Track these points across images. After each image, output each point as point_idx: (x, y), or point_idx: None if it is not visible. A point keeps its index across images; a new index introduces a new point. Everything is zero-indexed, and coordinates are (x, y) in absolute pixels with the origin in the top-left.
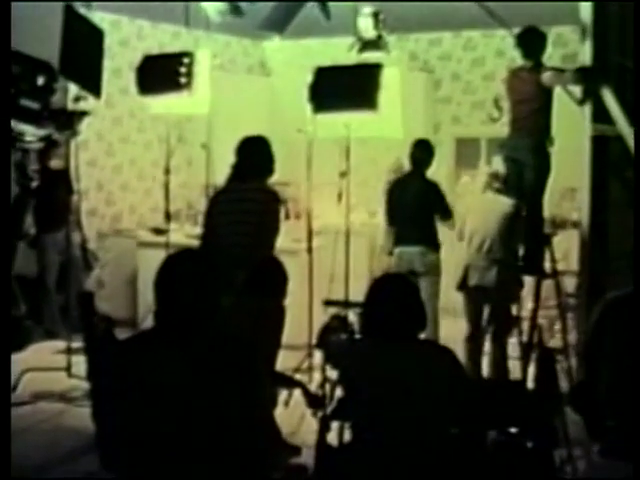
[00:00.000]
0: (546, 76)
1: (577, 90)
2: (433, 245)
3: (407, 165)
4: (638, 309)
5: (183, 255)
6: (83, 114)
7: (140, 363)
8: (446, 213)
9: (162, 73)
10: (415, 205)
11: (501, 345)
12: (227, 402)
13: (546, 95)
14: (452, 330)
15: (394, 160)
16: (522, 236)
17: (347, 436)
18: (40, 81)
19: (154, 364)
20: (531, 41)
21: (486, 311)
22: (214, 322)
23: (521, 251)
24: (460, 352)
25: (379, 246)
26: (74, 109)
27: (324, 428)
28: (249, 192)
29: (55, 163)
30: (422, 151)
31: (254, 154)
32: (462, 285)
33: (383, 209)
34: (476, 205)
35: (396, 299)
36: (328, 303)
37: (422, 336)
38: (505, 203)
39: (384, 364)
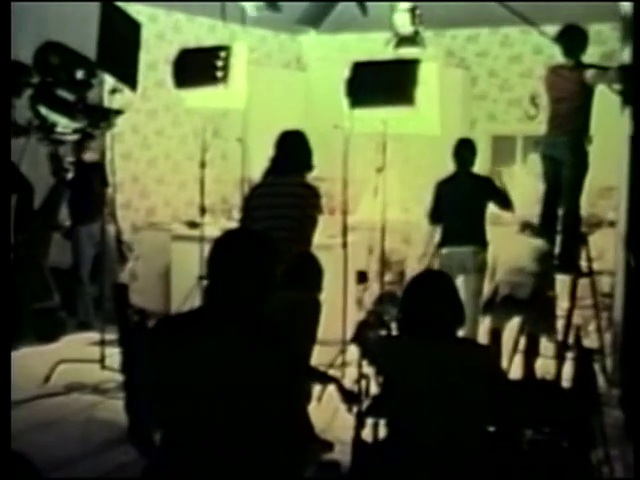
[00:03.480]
0: (590, 74)
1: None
2: (483, 243)
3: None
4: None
5: (243, 233)
6: (118, 112)
7: (173, 348)
8: (506, 202)
9: (198, 66)
10: (466, 202)
11: (536, 346)
12: (262, 393)
13: (587, 93)
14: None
15: None
16: (553, 274)
17: (382, 433)
18: (79, 75)
19: (189, 350)
20: (572, 39)
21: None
22: (261, 308)
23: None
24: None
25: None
26: (109, 107)
27: (360, 425)
28: (290, 187)
29: (90, 155)
30: (466, 150)
31: (294, 148)
32: (489, 303)
33: (418, 206)
34: (509, 245)
35: (435, 296)
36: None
37: (460, 333)
38: (539, 242)
39: (422, 361)
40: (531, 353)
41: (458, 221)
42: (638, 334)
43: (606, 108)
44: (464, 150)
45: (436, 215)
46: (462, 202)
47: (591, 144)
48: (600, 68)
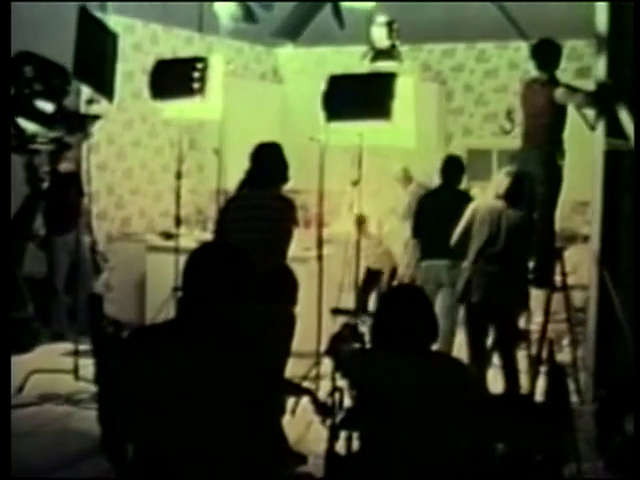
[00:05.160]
0: (559, 93)
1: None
2: (460, 259)
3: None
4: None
5: (218, 246)
6: (95, 117)
7: (147, 360)
8: None
9: (175, 78)
10: (445, 217)
11: (511, 359)
12: (234, 406)
13: (559, 109)
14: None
15: (400, 169)
16: (529, 249)
17: (355, 446)
18: (54, 83)
19: (163, 362)
20: (546, 53)
21: (491, 328)
22: (235, 321)
23: (531, 264)
24: None
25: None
26: (86, 112)
27: (333, 437)
28: (265, 199)
29: (66, 165)
30: (455, 167)
31: (269, 161)
32: (463, 299)
33: (391, 219)
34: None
35: (409, 310)
36: (336, 311)
37: (435, 347)
38: (514, 214)
39: (396, 375)
40: (509, 368)
41: (436, 236)
42: (611, 349)
43: (581, 123)
44: (451, 167)
45: (417, 229)
46: (440, 217)
47: (564, 159)
48: (571, 88)
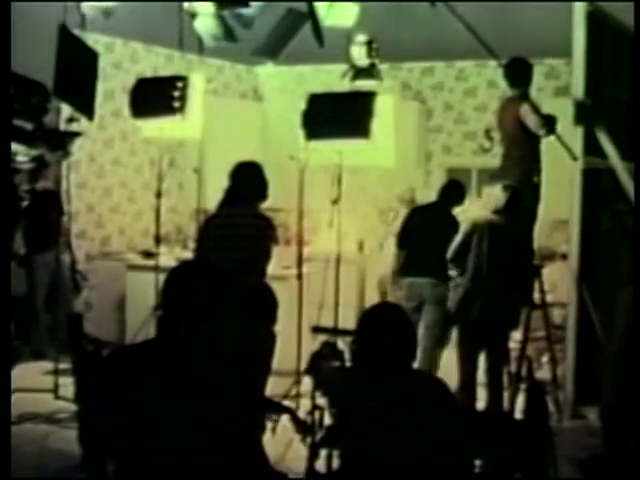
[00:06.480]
0: (523, 110)
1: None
2: (444, 277)
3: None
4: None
5: (196, 266)
6: (75, 135)
7: (128, 380)
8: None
9: (155, 96)
10: (434, 237)
11: (499, 377)
12: (215, 425)
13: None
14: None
15: (407, 189)
16: (529, 265)
17: (335, 464)
18: (34, 101)
19: (143, 381)
20: (517, 70)
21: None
22: (214, 340)
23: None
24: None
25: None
26: (66, 129)
27: (313, 456)
28: (243, 217)
29: (46, 184)
30: (455, 190)
31: (248, 179)
32: (459, 315)
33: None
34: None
35: (389, 329)
36: (316, 330)
37: (415, 366)
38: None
39: (376, 393)
40: (495, 386)
41: (421, 252)
42: (590, 366)
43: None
44: (452, 190)
45: (403, 241)
46: (428, 235)
47: (539, 177)
48: (534, 108)
